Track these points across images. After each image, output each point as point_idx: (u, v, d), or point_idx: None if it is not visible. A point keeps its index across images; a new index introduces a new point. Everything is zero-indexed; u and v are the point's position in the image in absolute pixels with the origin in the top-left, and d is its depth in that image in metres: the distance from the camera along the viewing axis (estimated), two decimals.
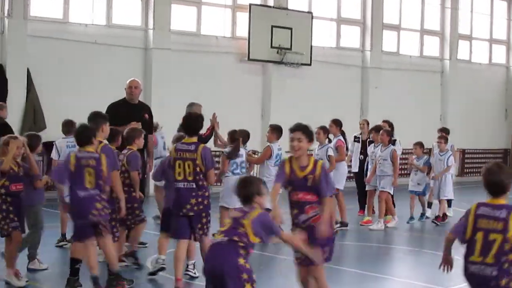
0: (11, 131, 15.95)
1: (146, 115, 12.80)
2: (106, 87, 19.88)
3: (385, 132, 16.00)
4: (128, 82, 13.03)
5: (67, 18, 20.72)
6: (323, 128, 14.99)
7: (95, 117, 10.31)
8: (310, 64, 24.81)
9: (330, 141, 15.25)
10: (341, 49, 26.66)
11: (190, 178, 9.67)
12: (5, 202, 9.89)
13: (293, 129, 8.21)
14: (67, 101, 19.52)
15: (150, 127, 13.05)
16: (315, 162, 8.18)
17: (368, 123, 17.64)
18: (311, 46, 24.89)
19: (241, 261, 6.73)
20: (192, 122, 10.14)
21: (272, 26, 24.00)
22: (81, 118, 18.22)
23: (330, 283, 8.34)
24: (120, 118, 12.08)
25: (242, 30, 23.83)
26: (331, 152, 14.77)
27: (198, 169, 9.68)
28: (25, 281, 10.01)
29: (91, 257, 9.42)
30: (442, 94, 29.80)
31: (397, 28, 28.46)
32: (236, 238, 6.77)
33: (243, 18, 23.80)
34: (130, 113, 12.41)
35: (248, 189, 7.12)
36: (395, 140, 16.74)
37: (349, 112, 25.08)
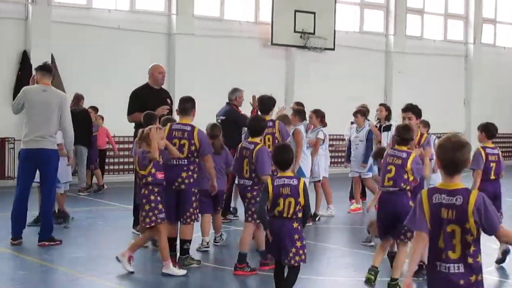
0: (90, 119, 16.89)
1: (168, 100, 12.83)
2: (129, 73, 19.92)
3: (313, 114, 14.73)
4: (154, 67, 12.94)
5: (91, 3, 20.79)
6: (316, 112, 14.81)
7: (187, 101, 10.45)
8: (333, 49, 24.75)
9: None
10: (364, 33, 26.58)
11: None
12: (153, 192, 9.68)
13: (404, 109, 10.75)
14: (90, 87, 19.60)
15: (171, 112, 13.09)
16: (421, 135, 10.62)
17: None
18: (335, 31, 24.81)
19: (411, 203, 8.14)
20: (265, 103, 11.69)
21: (295, 11, 23.95)
22: (104, 103, 18.51)
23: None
24: (145, 103, 12.17)
25: (265, 15, 23.80)
26: (321, 135, 14.61)
27: (276, 141, 11.18)
28: (184, 271, 9.88)
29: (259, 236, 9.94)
30: (466, 78, 29.64)
31: (420, 12, 28.31)
32: (403, 185, 8.87)
33: (266, 2, 23.77)
34: (155, 98, 12.46)
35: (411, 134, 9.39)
36: (390, 125, 15.55)
37: (373, 97, 24.96)
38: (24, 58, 19.38)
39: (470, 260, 5.36)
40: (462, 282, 5.35)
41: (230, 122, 13.96)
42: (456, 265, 5.38)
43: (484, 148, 10.63)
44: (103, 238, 12.24)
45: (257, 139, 10.03)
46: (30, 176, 11.62)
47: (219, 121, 13.81)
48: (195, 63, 21.89)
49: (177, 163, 10.10)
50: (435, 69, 28.21)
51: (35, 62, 19.21)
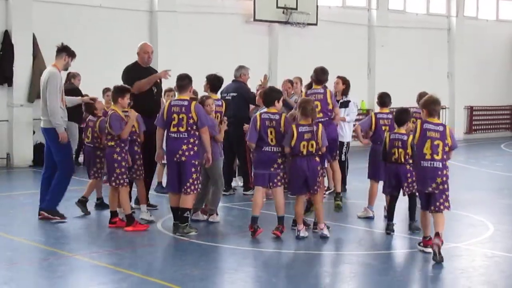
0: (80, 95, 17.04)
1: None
2: (112, 51, 19.87)
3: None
4: (141, 46, 12.90)
5: None
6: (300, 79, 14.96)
7: (183, 78, 11.05)
8: (316, 24, 24.72)
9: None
10: (347, 8, 26.55)
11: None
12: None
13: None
14: (73, 66, 19.39)
15: (160, 91, 13.18)
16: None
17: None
18: (317, 6, 24.78)
19: None
20: (212, 82, 12.53)
21: None
22: (87, 81, 18.38)
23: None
24: (138, 80, 12.36)
25: None
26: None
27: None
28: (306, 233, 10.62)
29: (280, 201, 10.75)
30: (449, 51, 29.73)
31: None
32: None
33: None
34: (146, 76, 12.52)
35: None
36: (349, 101, 14.57)
37: (356, 71, 25.04)
38: (6, 38, 19.24)
39: (445, 162, 9.43)
40: (439, 172, 9.37)
41: (241, 98, 14.44)
42: (438, 162, 9.39)
43: (376, 114, 12.29)
44: (89, 217, 12.23)
45: (274, 109, 10.74)
46: (48, 154, 11.99)
47: (229, 98, 14.24)
48: (178, 40, 21.81)
49: (178, 136, 10.68)
50: (418, 43, 28.27)
51: (17, 41, 19.18)
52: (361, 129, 12.16)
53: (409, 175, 10.77)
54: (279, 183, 10.65)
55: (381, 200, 12.14)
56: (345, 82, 14.51)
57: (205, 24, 22.79)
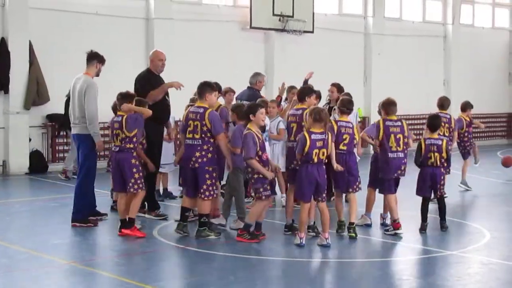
0: None
1: None
2: (108, 59, 19.73)
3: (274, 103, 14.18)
4: (155, 54, 13.13)
5: None
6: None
7: (201, 86, 11.13)
8: (312, 32, 24.73)
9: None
10: (343, 15, 26.58)
11: None
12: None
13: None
14: (69, 73, 19.27)
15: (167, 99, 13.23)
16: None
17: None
18: (313, 13, 24.79)
19: None
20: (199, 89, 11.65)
21: None
22: None
23: None
24: (153, 87, 12.48)
25: None
26: (281, 126, 13.52)
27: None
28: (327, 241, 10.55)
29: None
30: (445, 59, 29.75)
31: None
32: None
33: None
34: (158, 83, 12.63)
35: None
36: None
37: (353, 79, 25.03)
38: (2, 45, 19.21)
39: (406, 152, 11.31)
40: (403, 161, 11.34)
41: None
42: (401, 153, 11.30)
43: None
44: None
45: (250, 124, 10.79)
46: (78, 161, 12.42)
47: None
48: (174, 47, 21.76)
49: (192, 143, 10.84)
50: (414, 50, 28.31)
51: (13, 49, 19.17)
52: (368, 136, 11.73)
53: (442, 177, 11.69)
54: (253, 194, 11.17)
55: (378, 207, 12.16)
56: (341, 89, 14.66)
57: (202, 32, 22.79)
